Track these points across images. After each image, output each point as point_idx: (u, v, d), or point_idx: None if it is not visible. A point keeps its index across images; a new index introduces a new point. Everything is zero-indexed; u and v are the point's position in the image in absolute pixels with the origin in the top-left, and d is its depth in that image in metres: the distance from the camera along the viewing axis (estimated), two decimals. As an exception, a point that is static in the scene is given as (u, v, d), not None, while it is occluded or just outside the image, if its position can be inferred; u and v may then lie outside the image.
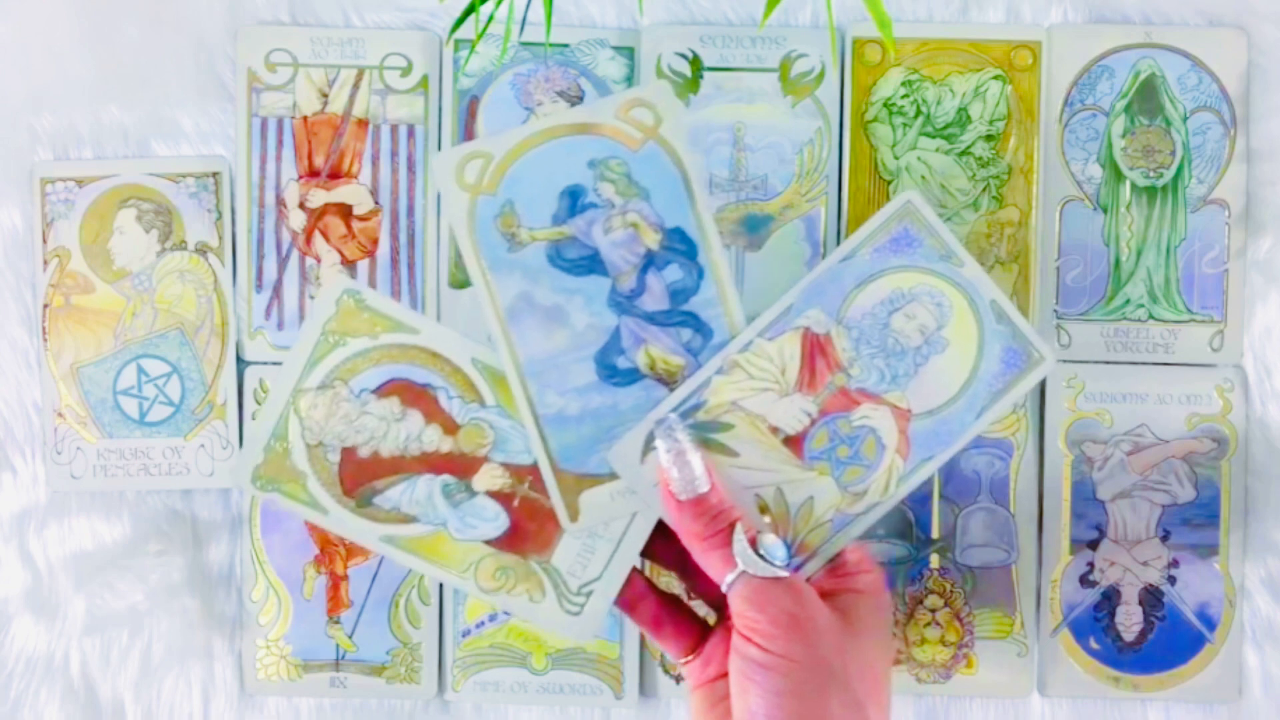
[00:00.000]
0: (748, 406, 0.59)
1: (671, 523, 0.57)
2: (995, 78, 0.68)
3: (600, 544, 0.60)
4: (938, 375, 0.59)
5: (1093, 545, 0.69)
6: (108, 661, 0.70)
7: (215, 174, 0.70)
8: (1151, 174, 0.69)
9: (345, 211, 0.70)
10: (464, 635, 0.69)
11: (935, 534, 0.69)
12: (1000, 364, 0.59)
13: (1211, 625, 0.69)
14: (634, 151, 0.59)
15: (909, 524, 0.69)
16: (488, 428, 0.60)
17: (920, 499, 0.69)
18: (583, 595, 0.60)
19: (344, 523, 0.60)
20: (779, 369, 0.59)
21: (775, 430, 0.59)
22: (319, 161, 0.69)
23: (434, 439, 0.60)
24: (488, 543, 0.60)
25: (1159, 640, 0.69)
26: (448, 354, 0.60)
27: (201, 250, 0.70)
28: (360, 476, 0.60)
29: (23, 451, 0.70)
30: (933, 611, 0.69)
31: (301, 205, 0.69)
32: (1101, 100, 0.69)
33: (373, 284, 0.69)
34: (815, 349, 0.59)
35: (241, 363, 0.70)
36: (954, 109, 0.69)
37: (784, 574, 0.55)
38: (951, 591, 0.69)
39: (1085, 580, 0.69)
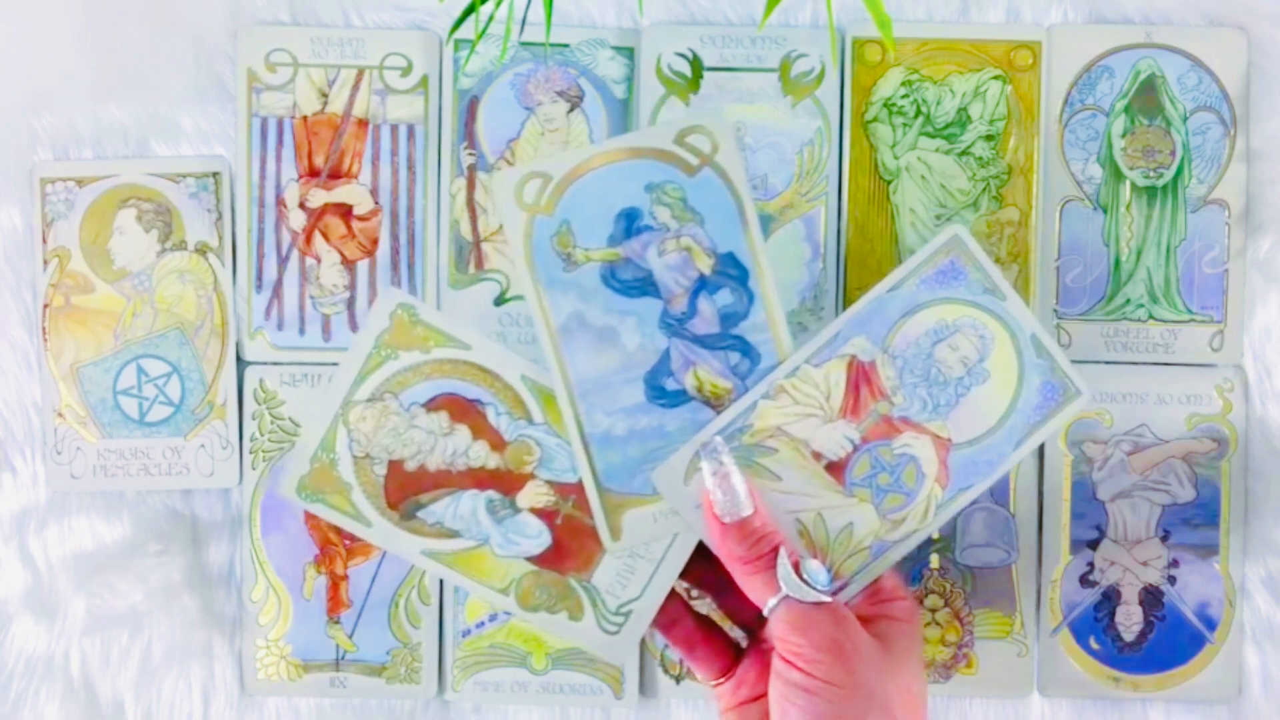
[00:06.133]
0: (792, 431, 0.59)
1: (714, 545, 0.58)
2: (995, 78, 0.68)
3: (640, 564, 0.60)
4: (978, 406, 0.59)
5: (1093, 545, 0.69)
6: (108, 661, 0.70)
7: (215, 174, 0.70)
8: (1151, 174, 0.69)
9: (345, 211, 0.70)
10: (464, 635, 0.69)
11: (935, 534, 0.69)
12: (1039, 396, 0.60)
13: (1211, 625, 0.69)
14: (690, 177, 0.60)
15: (909, 524, 0.69)
16: (534, 445, 0.61)
17: (920, 499, 0.69)
18: (621, 615, 0.60)
19: (387, 535, 0.60)
20: (824, 395, 0.59)
21: (818, 456, 0.59)
22: (319, 161, 0.69)
23: (481, 455, 0.60)
24: (529, 560, 0.60)
25: (1159, 640, 0.69)
26: (498, 370, 0.61)
27: (201, 250, 0.70)
28: (405, 490, 0.60)
29: (23, 451, 0.70)
30: (933, 611, 0.69)
31: (301, 205, 0.69)
32: (1101, 100, 0.69)
33: (372, 284, 0.69)
34: (860, 376, 0.60)
35: (241, 363, 0.70)
36: (954, 109, 0.69)
37: (827, 599, 0.55)
38: (951, 591, 0.69)
39: (1085, 580, 0.69)
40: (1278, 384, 0.69)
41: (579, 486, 0.60)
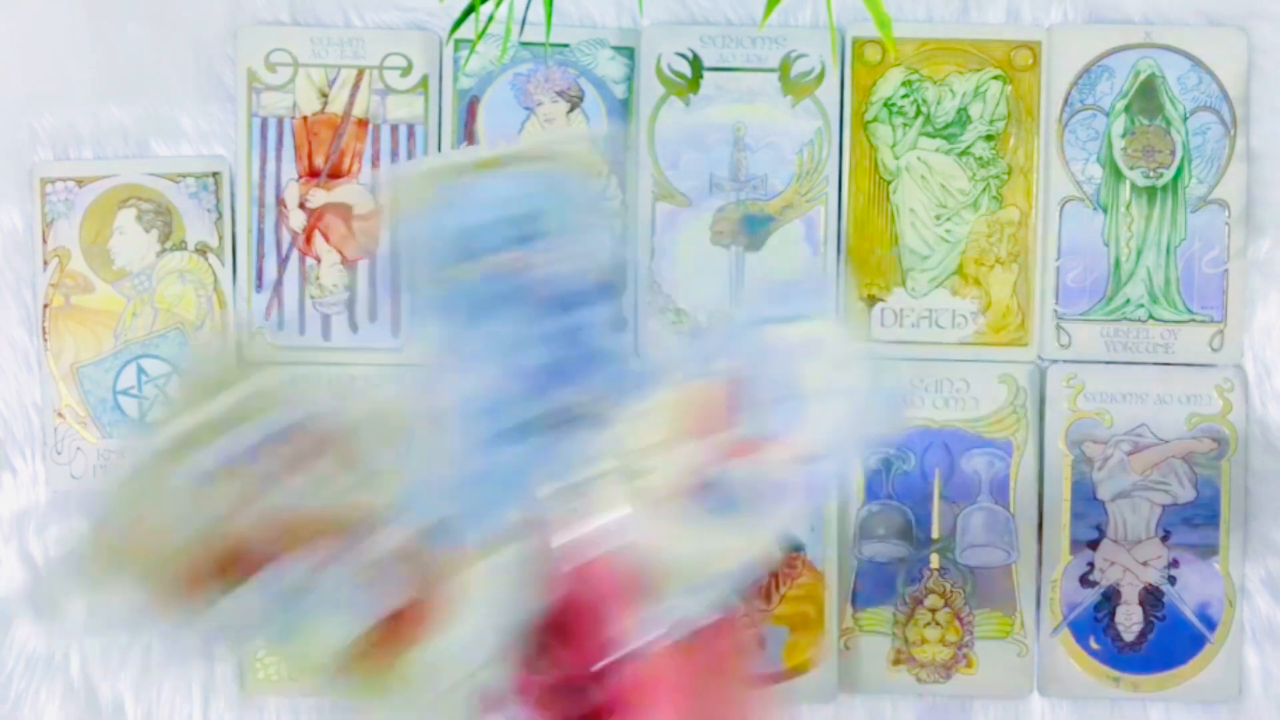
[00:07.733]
0: (650, 459, 0.57)
1: (564, 590, 0.56)
2: (995, 78, 0.68)
3: (486, 623, 0.54)
4: (826, 419, 0.58)
5: (1093, 545, 0.69)
6: (108, 661, 0.70)
7: (215, 174, 0.70)
8: (1151, 174, 0.69)
9: (345, 211, 0.70)
10: (464, 635, 0.69)
11: (935, 534, 0.69)
12: (877, 408, 0.59)
13: (1211, 625, 0.69)
14: (568, 188, 0.56)
15: (909, 524, 0.69)
16: (373, 494, 0.53)
17: (920, 499, 0.69)
18: (463, 684, 0.54)
19: (185, 617, 0.50)
20: (681, 419, 0.57)
21: (675, 483, 0.57)
22: (319, 161, 0.70)
23: (313, 509, 0.52)
24: (357, 632, 0.52)
25: (1159, 640, 0.69)
26: (334, 411, 0.53)
27: (201, 250, 0.70)
28: (211, 565, 0.51)
29: (23, 451, 0.70)
30: (933, 611, 0.69)
31: (301, 205, 0.70)
32: (1101, 100, 0.69)
33: (372, 284, 0.69)
34: (720, 397, 0.58)
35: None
36: (954, 109, 0.69)
37: (683, 633, 0.55)
38: (951, 591, 0.69)
39: (1085, 580, 0.69)
40: (1278, 384, 0.69)
41: (419, 541, 0.53)
